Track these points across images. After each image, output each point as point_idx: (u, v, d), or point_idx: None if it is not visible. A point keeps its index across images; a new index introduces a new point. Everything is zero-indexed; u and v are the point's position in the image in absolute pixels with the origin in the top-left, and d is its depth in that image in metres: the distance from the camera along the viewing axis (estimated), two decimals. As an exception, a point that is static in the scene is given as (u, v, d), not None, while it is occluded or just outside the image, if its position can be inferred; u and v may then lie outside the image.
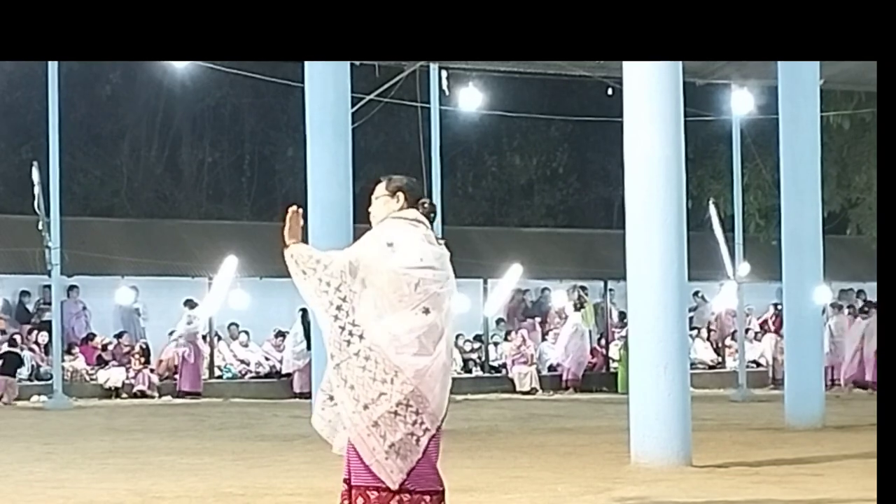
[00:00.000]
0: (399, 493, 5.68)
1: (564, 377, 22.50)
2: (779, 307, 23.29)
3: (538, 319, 24.40)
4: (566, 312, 23.37)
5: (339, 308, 5.73)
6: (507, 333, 23.37)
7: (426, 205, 6.01)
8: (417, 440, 5.69)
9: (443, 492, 5.80)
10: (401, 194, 5.98)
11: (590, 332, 23.27)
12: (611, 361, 23.48)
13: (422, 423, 5.70)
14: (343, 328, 5.72)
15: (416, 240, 5.85)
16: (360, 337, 5.70)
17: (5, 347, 19.89)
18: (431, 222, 6.02)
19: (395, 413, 5.66)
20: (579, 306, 22.87)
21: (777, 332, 23.02)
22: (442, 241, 6.05)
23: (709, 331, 25.04)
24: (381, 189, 6.05)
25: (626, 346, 22.25)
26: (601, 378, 22.92)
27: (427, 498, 5.73)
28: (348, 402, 5.70)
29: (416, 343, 5.70)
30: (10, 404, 18.96)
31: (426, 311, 5.74)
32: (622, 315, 23.45)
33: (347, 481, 5.78)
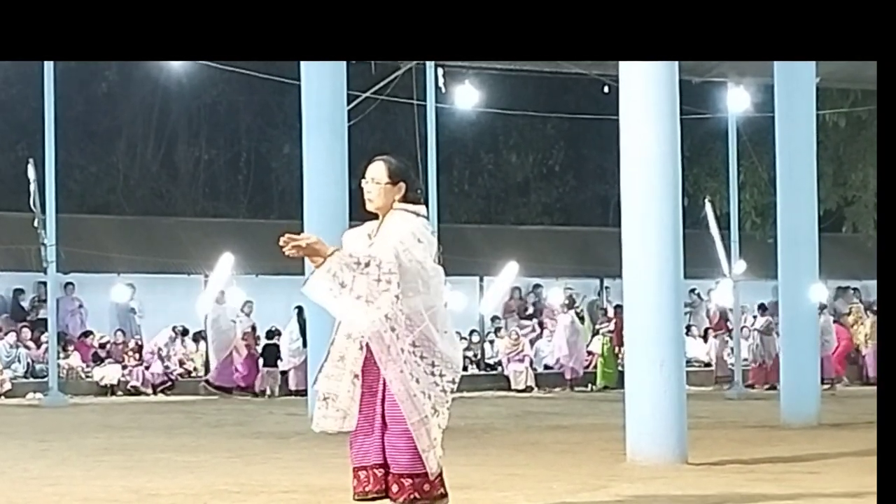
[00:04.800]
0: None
1: (568, 376, 22.40)
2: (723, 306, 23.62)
3: (536, 320, 24.37)
4: (562, 311, 23.36)
5: (397, 297, 5.79)
6: (498, 330, 23.36)
7: (419, 192, 6.15)
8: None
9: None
10: (402, 184, 6.01)
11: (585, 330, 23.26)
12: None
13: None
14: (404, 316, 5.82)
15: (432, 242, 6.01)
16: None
17: (265, 341, 20.93)
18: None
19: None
20: (569, 307, 22.84)
21: (718, 330, 23.27)
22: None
23: (705, 329, 25.04)
24: (381, 174, 6.01)
25: (609, 341, 22.49)
26: (594, 376, 22.88)
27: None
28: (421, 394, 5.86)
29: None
30: (273, 395, 20.23)
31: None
32: (604, 311, 23.53)
33: (383, 466, 5.86)
